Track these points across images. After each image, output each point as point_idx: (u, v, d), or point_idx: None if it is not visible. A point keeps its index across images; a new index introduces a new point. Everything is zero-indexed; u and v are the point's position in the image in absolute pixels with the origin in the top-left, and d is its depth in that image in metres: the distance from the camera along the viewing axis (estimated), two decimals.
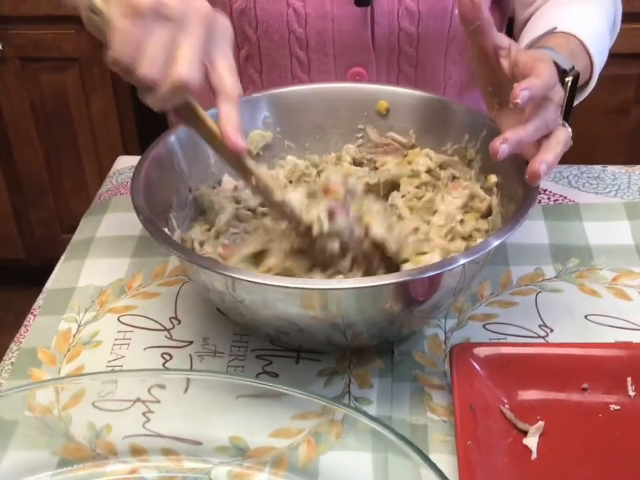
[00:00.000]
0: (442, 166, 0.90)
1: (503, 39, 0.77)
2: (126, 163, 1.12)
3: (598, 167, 1.06)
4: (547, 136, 0.75)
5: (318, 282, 0.73)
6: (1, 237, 2.25)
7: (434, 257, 0.75)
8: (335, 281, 0.73)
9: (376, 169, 0.91)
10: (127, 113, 2.05)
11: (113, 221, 0.99)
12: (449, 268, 0.69)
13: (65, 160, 2.11)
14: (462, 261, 0.69)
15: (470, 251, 0.72)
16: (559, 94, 0.76)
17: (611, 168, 1.06)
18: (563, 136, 0.76)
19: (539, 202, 1.00)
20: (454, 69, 1.09)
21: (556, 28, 0.92)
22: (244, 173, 0.76)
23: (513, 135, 0.73)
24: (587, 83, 0.96)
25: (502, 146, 0.72)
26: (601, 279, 0.88)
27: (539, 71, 0.72)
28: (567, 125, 0.77)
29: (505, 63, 0.76)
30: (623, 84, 1.95)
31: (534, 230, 0.95)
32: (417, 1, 1.02)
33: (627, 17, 1.82)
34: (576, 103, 0.92)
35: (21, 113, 2.04)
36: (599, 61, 0.95)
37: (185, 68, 0.66)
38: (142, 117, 2.02)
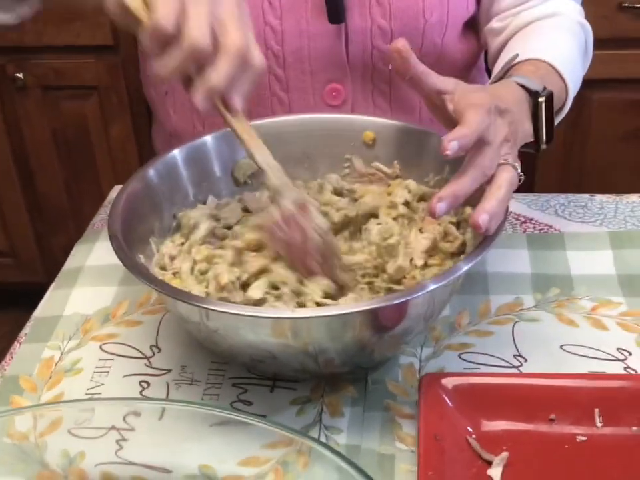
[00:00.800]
0: (423, 198, 0.90)
1: (447, 84, 0.78)
2: None
3: (586, 196, 1.06)
4: (489, 180, 0.75)
5: (287, 311, 0.74)
6: (24, 262, 2.29)
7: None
8: (303, 310, 0.75)
9: (355, 199, 0.92)
10: (145, 139, 2.07)
11: (103, 249, 1.00)
12: (414, 296, 0.71)
13: (85, 186, 2.15)
14: (428, 288, 0.70)
15: (436, 278, 0.72)
16: (502, 132, 0.77)
17: (598, 197, 1.06)
18: (504, 178, 0.75)
19: (524, 231, 1.00)
20: None
21: (517, 55, 0.93)
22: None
23: (448, 192, 0.73)
24: (563, 106, 0.97)
25: (438, 205, 0.73)
26: (580, 308, 0.88)
27: (466, 119, 0.73)
28: (515, 163, 0.77)
29: (451, 107, 0.77)
30: (639, 109, 1.94)
31: (517, 259, 0.96)
32: (389, 20, 1.04)
33: None
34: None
35: (42, 140, 2.09)
36: (573, 85, 0.96)
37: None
38: None
